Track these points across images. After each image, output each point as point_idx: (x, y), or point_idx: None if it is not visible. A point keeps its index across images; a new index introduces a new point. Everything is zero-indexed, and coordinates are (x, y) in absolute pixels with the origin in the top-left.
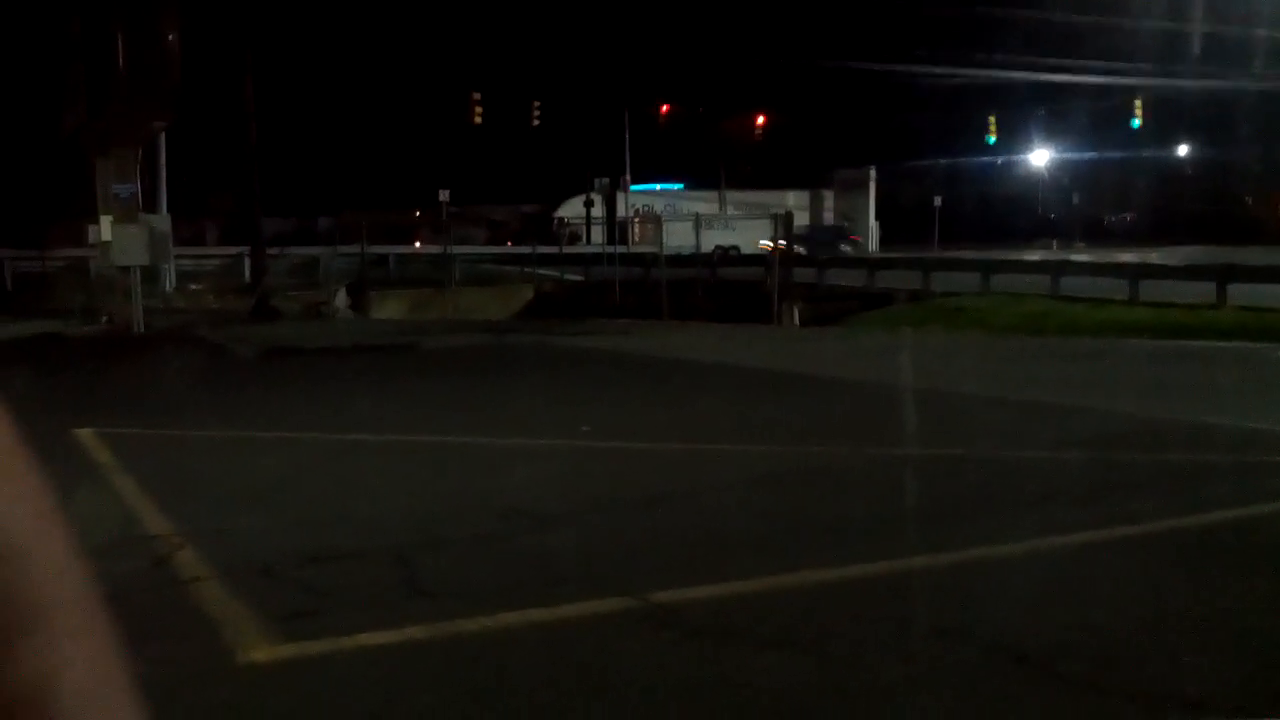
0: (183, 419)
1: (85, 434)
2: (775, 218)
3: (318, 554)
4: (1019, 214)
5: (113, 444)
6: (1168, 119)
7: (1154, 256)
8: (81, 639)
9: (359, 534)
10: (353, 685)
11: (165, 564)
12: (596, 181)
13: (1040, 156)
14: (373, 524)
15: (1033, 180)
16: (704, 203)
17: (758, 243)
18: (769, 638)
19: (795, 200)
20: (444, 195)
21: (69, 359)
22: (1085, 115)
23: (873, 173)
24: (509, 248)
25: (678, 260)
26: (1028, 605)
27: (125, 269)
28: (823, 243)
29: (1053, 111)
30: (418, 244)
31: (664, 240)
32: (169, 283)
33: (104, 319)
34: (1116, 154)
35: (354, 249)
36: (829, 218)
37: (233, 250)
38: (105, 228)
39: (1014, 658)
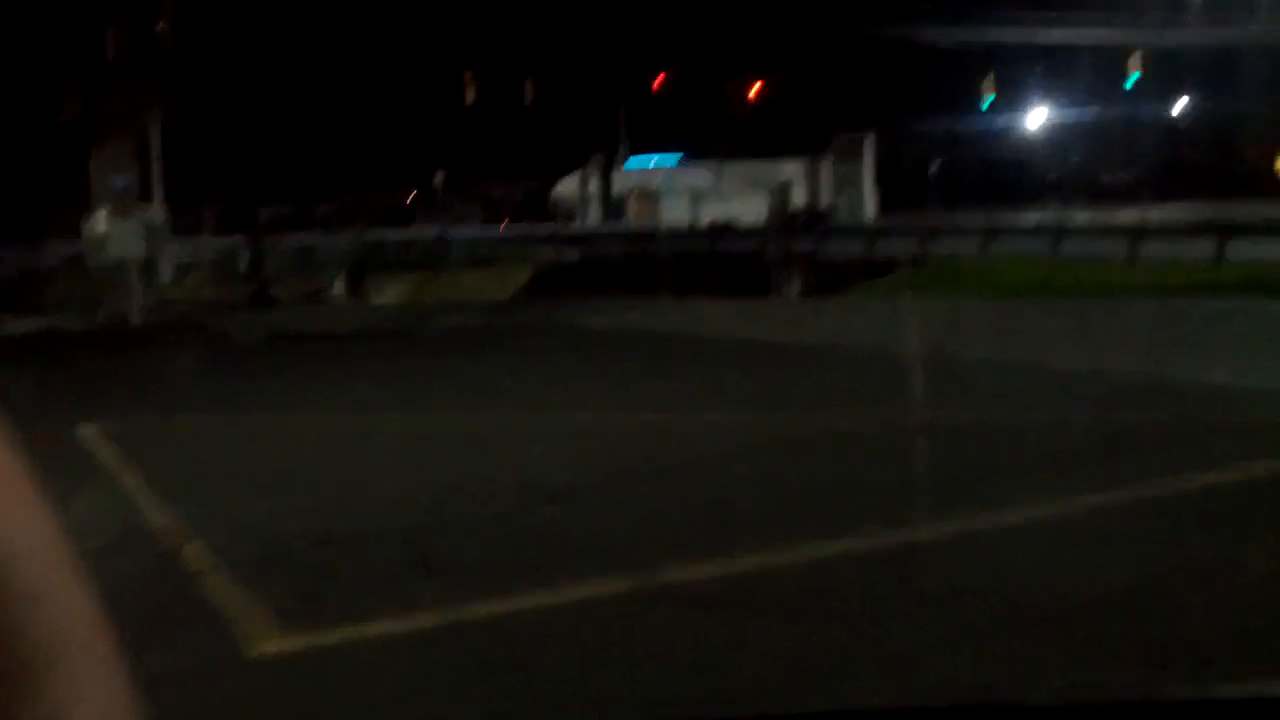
0: (185, 410)
1: (88, 429)
2: (773, 188)
3: (325, 540)
4: (1018, 175)
5: (116, 438)
6: (1165, 75)
7: (1154, 214)
8: (97, 680)
9: (366, 519)
10: (363, 673)
11: (173, 557)
12: (593, 158)
13: (1038, 117)
14: (379, 508)
15: (1031, 141)
16: (701, 175)
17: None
18: (783, 607)
19: (793, 169)
20: (439, 176)
21: (68, 353)
22: (1082, 74)
23: (870, 138)
24: (507, 224)
25: (676, 234)
26: (1042, 568)
27: (122, 261)
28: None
29: (1050, 71)
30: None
31: (661, 214)
32: (167, 273)
33: (102, 312)
34: (1114, 112)
35: (351, 234)
36: (827, 185)
37: (230, 239)
38: (102, 220)
39: (1030, 620)
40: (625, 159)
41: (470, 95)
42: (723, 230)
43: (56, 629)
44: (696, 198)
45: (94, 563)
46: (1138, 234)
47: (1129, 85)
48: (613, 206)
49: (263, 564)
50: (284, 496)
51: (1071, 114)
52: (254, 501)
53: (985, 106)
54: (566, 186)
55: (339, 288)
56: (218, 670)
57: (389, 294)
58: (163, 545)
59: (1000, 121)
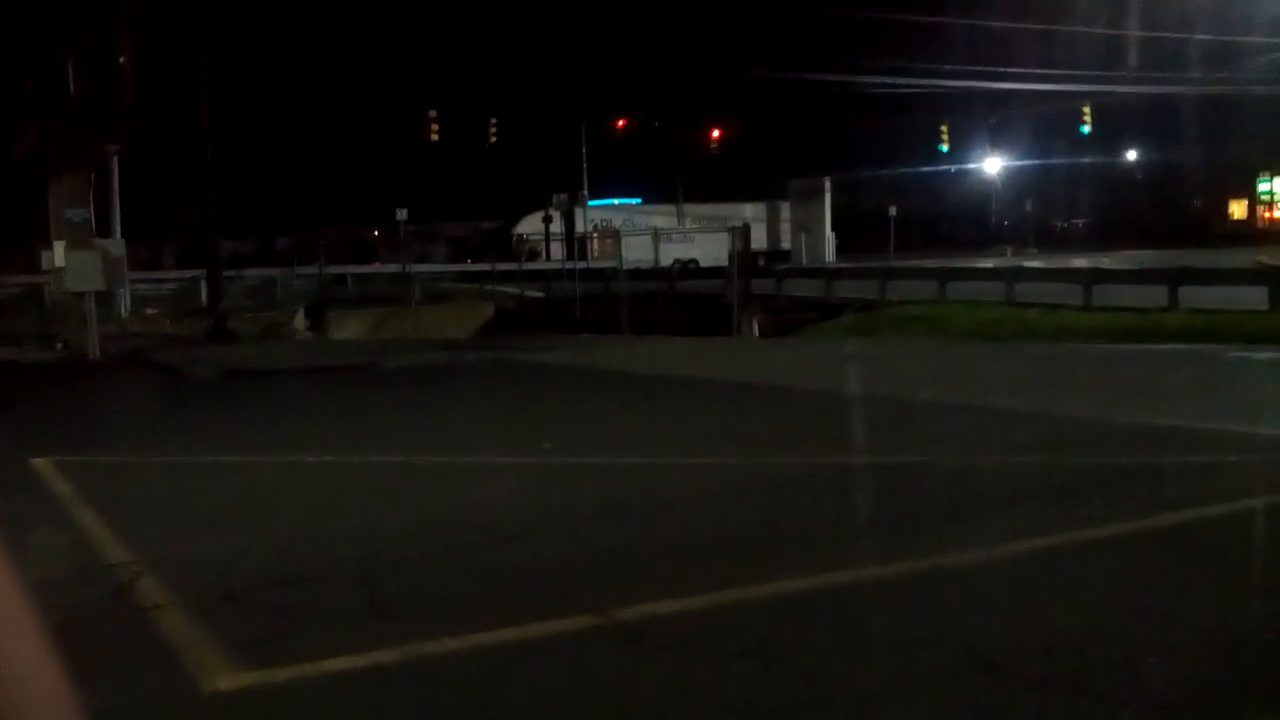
0: (141, 445)
1: (42, 463)
2: (733, 230)
3: (281, 578)
4: (973, 221)
5: (70, 472)
6: (1117, 125)
7: (1105, 261)
8: None
9: (322, 556)
10: (319, 711)
11: (126, 593)
12: (555, 197)
13: (992, 165)
14: (336, 546)
15: (985, 188)
16: (662, 216)
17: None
18: (738, 649)
19: (753, 212)
20: (401, 214)
21: (24, 386)
22: (1036, 123)
23: (828, 183)
24: (468, 265)
25: (637, 274)
26: (994, 611)
27: (80, 294)
28: None
29: (1004, 120)
30: (376, 264)
31: (623, 255)
32: (125, 307)
33: (59, 345)
34: (1067, 161)
35: (312, 269)
36: (786, 229)
37: (189, 273)
38: (59, 253)
39: (983, 664)
40: (587, 199)
41: (433, 134)
42: (683, 270)
43: (16, 680)
44: (657, 239)
45: (49, 597)
46: (1092, 278)
47: (1084, 132)
48: (575, 246)
49: (217, 599)
50: (239, 532)
51: (1025, 162)
52: (208, 537)
53: (941, 154)
54: (529, 225)
55: (299, 323)
56: (173, 705)
57: (349, 330)
58: (118, 579)
59: (955, 169)
